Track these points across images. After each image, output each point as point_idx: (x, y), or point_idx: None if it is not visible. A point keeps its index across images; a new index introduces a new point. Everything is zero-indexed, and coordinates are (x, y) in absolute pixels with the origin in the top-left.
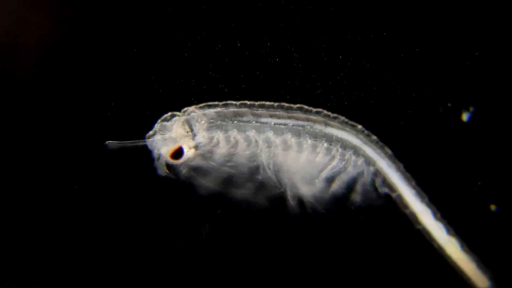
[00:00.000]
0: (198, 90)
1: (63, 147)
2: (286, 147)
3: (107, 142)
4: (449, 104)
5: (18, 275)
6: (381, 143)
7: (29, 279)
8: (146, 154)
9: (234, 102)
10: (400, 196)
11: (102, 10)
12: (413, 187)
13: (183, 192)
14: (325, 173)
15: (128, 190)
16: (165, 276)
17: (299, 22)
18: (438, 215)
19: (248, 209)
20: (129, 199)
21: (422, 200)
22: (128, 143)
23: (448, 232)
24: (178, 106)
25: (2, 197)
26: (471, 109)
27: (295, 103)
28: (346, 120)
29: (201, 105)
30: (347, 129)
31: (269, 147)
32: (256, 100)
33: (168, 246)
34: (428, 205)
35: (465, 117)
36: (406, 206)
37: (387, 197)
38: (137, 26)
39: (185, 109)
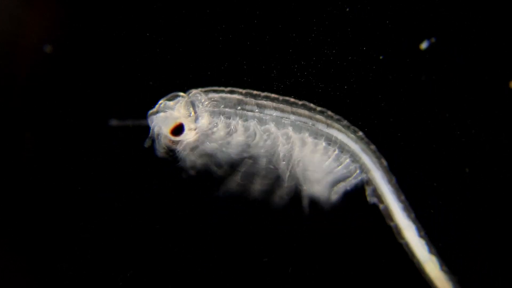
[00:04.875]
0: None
1: (63, 147)
2: (287, 140)
3: (111, 120)
4: (380, 57)
5: (18, 274)
6: (378, 154)
7: (29, 279)
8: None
9: (239, 90)
10: (386, 208)
11: (101, 9)
12: (401, 201)
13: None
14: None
15: (127, 189)
16: (165, 276)
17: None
18: (422, 232)
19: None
20: (128, 198)
21: (409, 215)
22: (130, 122)
23: (430, 250)
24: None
25: (2, 197)
26: (433, 40)
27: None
28: (348, 124)
29: (206, 88)
30: (348, 133)
31: (268, 138)
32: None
33: (168, 245)
34: (414, 221)
35: (423, 45)
36: (391, 219)
37: (375, 206)
38: (137, 24)
39: (190, 90)
